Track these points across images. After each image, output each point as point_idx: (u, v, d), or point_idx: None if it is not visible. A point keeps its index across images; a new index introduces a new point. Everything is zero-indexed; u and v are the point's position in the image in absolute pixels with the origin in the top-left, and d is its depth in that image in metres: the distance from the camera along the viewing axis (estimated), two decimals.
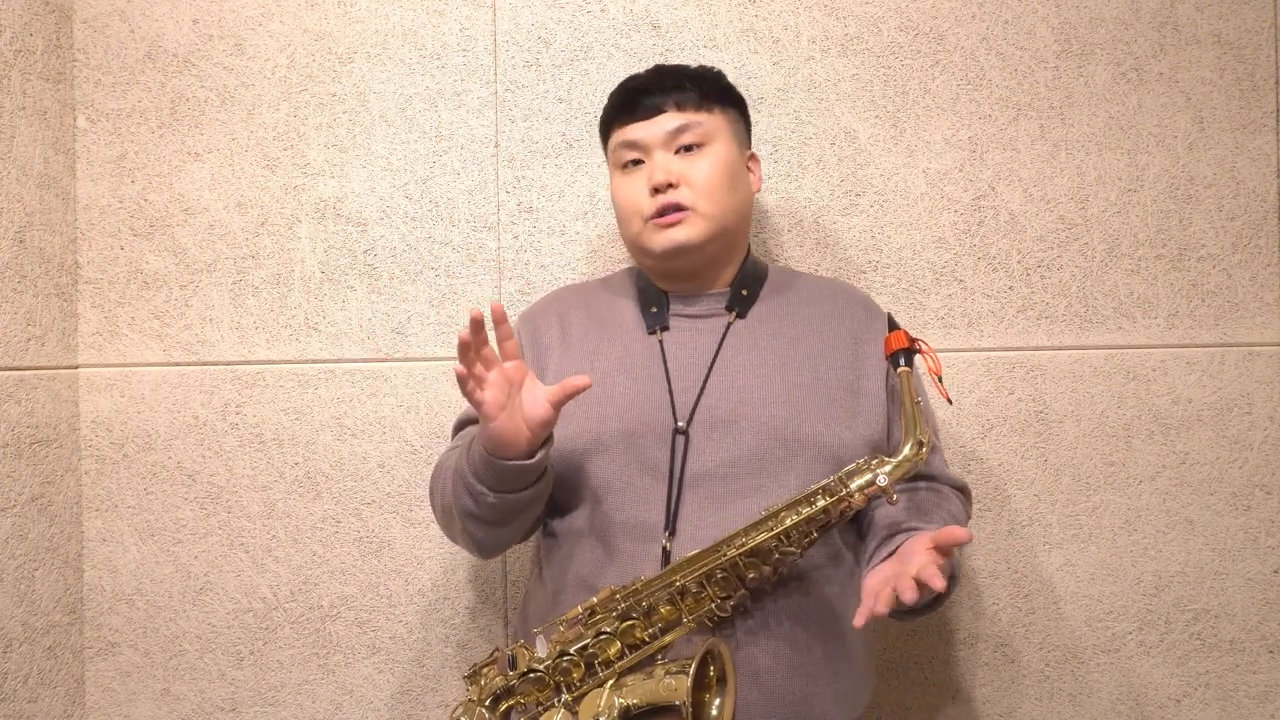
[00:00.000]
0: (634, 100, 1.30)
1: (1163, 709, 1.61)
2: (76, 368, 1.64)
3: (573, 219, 1.62)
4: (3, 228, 1.49)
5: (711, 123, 1.29)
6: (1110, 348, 1.61)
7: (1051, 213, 1.61)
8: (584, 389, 1.13)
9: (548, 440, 1.17)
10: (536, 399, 1.13)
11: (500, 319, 1.12)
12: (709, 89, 1.30)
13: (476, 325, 1.09)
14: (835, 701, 1.22)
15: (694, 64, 1.35)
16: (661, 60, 1.60)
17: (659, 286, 1.33)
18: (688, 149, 1.27)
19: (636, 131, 1.29)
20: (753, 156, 1.37)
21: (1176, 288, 1.61)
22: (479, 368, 1.12)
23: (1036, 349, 1.61)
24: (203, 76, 1.64)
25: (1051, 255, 1.61)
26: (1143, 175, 1.61)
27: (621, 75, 1.61)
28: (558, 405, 1.13)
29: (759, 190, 1.38)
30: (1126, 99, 1.61)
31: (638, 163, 1.29)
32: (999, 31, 1.61)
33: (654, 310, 1.31)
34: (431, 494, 1.32)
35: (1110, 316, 1.61)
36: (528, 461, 1.14)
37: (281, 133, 1.64)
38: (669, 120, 1.27)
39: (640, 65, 1.60)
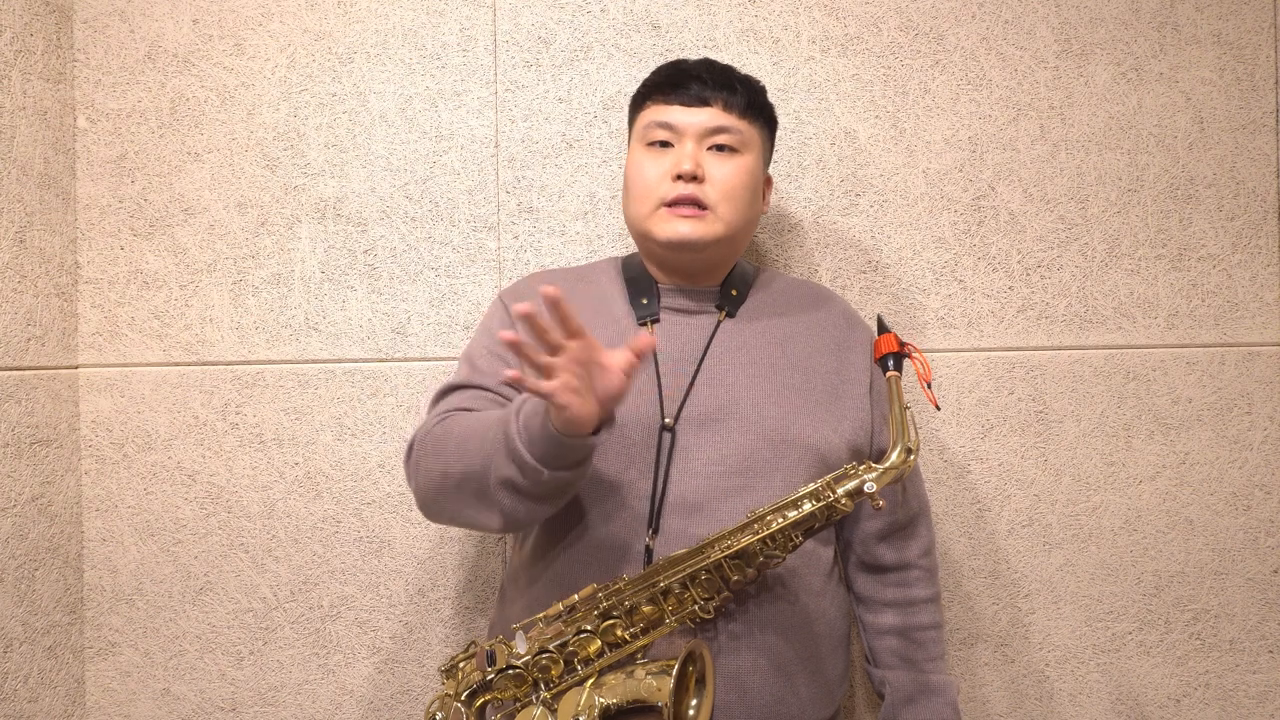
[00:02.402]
0: (683, 84, 1.27)
1: (1163, 709, 1.61)
2: (76, 368, 1.64)
3: (573, 219, 1.62)
4: (3, 228, 1.49)
5: (749, 133, 1.28)
6: (1110, 348, 1.61)
7: (1051, 213, 1.61)
8: (651, 347, 1.05)
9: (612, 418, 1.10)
10: (608, 371, 1.04)
11: (555, 301, 1.01)
12: (755, 100, 1.30)
13: (529, 318, 1.00)
14: (811, 701, 1.23)
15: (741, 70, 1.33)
16: (662, 60, 1.60)
17: (648, 274, 1.32)
18: (720, 149, 1.26)
19: (677, 115, 1.26)
20: (769, 180, 1.38)
21: (1176, 288, 1.61)
22: (542, 357, 1.02)
23: (1036, 349, 1.61)
24: (203, 76, 1.64)
25: (1051, 255, 1.61)
26: (1143, 175, 1.61)
27: (621, 75, 1.62)
28: (631, 373, 1.04)
29: (766, 212, 1.41)
30: (1126, 99, 1.61)
31: (666, 145, 1.27)
32: (999, 31, 1.61)
33: (644, 301, 1.31)
34: (419, 461, 1.20)
35: (1110, 316, 1.61)
36: (594, 438, 1.07)
37: (281, 133, 1.64)
38: (713, 116, 1.26)
39: (640, 65, 1.61)
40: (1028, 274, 1.61)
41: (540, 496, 1.11)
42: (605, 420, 1.08)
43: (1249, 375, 1.61)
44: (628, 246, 1.57)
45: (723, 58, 1.60)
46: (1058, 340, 1.61)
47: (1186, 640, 1.61)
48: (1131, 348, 1.61)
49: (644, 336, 1.06)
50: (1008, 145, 1.61)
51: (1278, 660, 1.61)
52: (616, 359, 1.04)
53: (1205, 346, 1.61)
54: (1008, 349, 1.61)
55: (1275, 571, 1.61)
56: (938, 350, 1.60)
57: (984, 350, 1.61)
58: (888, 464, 1.10)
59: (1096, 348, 1.61)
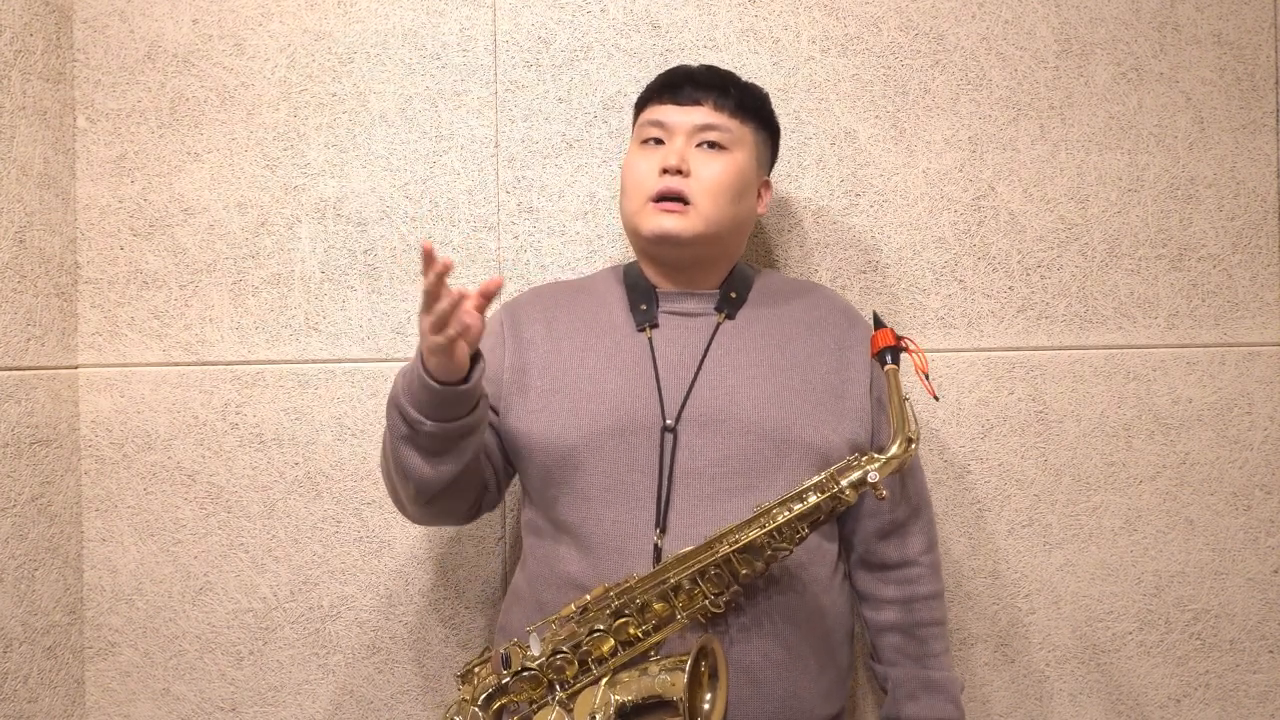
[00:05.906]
0: (678, 85, 1.33)
1: (1163, 709, 1.61)
2: (76, 368, 1.64)
3: (573, 219, 1.62)
4: (3, 228, 1.49)
5: (739, 132, 1.32)
6: (1110, 348, 1.61)
7: (1051, 213, 1.61)
8: (498, 285, 1.13)
9: (478, 359, 1.16)
10: (471, 315, 1.13)
11: (431, 257, 1.08)
12: (748, 102, 1.34)
13: (436, 264, 1.07)
14: (821, 696, 1.25)
15: (745, 78, 1.39)
16: (662, 60, 1.60)
17: (648, 280, 1.34)
18: (709, 145, 1.30)
19: (669, 113, 1.31)
20: (766, 183, 1.40)
21: (1176, 288, 1.61)
22: (442, 304, 1.09)
23: (1036, 349, 1.61)
24: (203, 76, 1.64)
25: (1051, 255, 1.61)
26: (1143, 175, 1.61)
27: (621, 75, 1.62)
28: (482, 310, 1.14)
29: (763, 214, 1.41)
30: (1126, 99, 1.61)
31: (658, 142, 1.31)
32: (999, 31, 1.61)
33: (643, 308, 1.32)
34: (381, 459, 1.29)
35: (1110, 316, 1.61)
36: (465, 386, 1.14)
37: (281, 133, 1.64)
38: (702, 114, 1.30)
39: (640, 65, 1.61)
40: (1028, 274, 1.61)
41: (434, 451, 1.18)
42: (475, 359, 1.16)
43: (1249, 375, 1.61)
44: (628, 247, 1.57)
45: (723, 57, 1.61)
46: (1058, 340, 1.61)
47: (1186, 640, 1.61)
48: (1131, 348, 1.61)
49: (492, 278, 1.15)
50: (1008, 145, 1.61)
51: (1278, 660, 1.61)
52: (474, 302, 1.13)
53: (1205, 346, 1.61)
54: (1008, 349, 1.61)
55: (1275, 571, 1.61)
56: (938, 350, 1.60)
57: (984, 350, 1.61)
58: (890, 454, 1.12)
59: (1096, 348, 1.61)
